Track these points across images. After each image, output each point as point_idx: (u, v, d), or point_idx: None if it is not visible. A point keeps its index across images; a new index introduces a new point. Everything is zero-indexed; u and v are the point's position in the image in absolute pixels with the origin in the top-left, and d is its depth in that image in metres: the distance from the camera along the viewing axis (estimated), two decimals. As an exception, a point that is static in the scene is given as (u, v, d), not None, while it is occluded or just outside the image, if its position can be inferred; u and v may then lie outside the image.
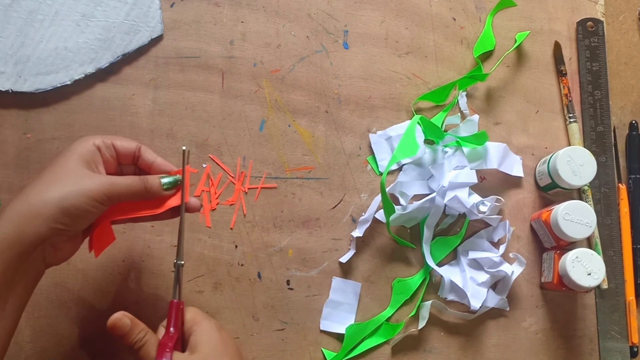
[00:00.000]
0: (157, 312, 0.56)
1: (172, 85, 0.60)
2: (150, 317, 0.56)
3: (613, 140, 0.63)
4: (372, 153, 0.61)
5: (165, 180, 0.48)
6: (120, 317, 0.46)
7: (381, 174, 0.61)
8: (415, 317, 0.59)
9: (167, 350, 0.45)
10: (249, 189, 0.59)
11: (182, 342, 0.48)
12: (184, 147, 0.49)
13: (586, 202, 0.60)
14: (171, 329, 0.47)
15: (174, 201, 0.49)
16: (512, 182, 0.62)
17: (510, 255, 0.60)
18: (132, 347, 0.46)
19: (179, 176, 0.49)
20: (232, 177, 0.59)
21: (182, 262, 0.50)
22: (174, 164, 0.58)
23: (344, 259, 0.59)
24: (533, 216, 0.61)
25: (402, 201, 0.59)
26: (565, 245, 0.58)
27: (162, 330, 0.48)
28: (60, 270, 0.56)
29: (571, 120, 0.63)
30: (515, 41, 0.63)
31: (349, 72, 0.62)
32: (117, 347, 0.56)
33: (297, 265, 0.59)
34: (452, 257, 0.61)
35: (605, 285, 0.60)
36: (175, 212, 0.50)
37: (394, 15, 0.63)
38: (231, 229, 0.58)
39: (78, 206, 0.43)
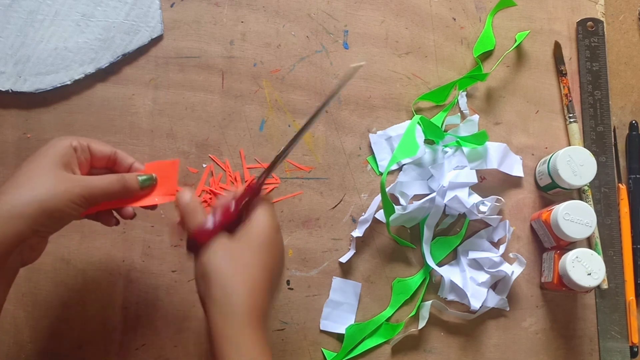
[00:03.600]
0: (157, 311, 0.56)
1: (172, 85, 0.60)
2: (151, 317, 0.56)
3: (613, 140, 0.63)
4: (372, 153, 0.61)
5: (142, 177, 0.48)
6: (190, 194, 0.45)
7: (381, 174, 0.61)
8: (415, 317, 0.59)
9: (231, 210, 0.43)
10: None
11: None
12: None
13: (586, 202, 0.60)
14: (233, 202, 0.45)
15: (150, 200, 0.49)
16: (512, 182, 0.62)
17: (510, 255, 0.60)
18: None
19: (154, 175, 0.49)
20: (232, 177, 0.59)
21: (287, 153, 0.47)
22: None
23: (343, 259, 0.59)
24: (533, 216, 0.61)
25: (402, 201, 0.59)
26: (565, 245, 0.58)
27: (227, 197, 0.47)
28: (60, 270, 0.56)
29: (571, 120, 0.63)
30: (515, 41, 0.63)
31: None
32: (117, 347, 0.56)
33: (297, 265, 0.59)
34: (452, 257, 0.61)
35: (605, 285, 0.60)
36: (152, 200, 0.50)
37: (394, 15, 0.63)
38: None
39: (59, 208, 0.42)
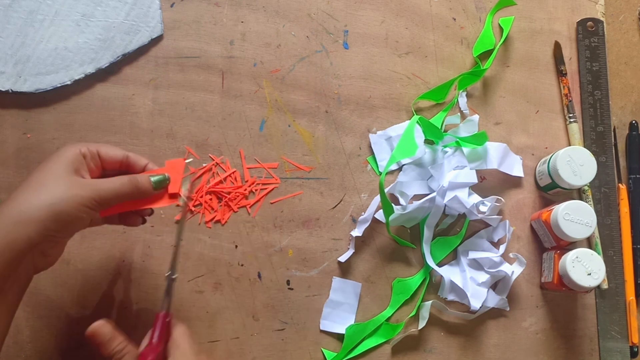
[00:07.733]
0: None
1: (172, 85, 0.60)
2: (150, 317, 0.56)
3: (613, 140, 0.63)
4: (372, 153, 0.61)
5: (154, 178, 0.48)
6: (101, 326, 0.46)
7: (381, 174, 0.61)
8: (415, 317, 0.59)
9: None
10: (250, 192, 0.59)
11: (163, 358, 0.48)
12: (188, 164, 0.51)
13: (586, 202, 0.60)
14: (153, 340, 0.46)
15: (165, 202, 0.49)
16: (512, 182, 0.62)
17: (510, 255, 0.60)
18: (111, 358, 0.46)
19: (167, 175, 0.48)
20: (232, 177, 0.59)
21: (175, 276, 0.50)
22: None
23: (342, 258, 0.59)
24: (533, 216, 0.61)
25: (402, 201, 0.59)
26: (565, 245, 0.58)
27: (146, 341, 0.48)
28: (60, 271, 0.56)
29: (571, 120, 0.63)
30: (502, 28, 0.63)
31: (349, 72, 0.62)
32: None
33: (297, 265, 0.59)
34: (452, 257, 0.61)
35: (605, 285, 0.60)
36: (171, 199, 0.50)
37: (394, 15, 0.63)
38: (222, 224, 0.58)
39: (68, 212, 0.42)
